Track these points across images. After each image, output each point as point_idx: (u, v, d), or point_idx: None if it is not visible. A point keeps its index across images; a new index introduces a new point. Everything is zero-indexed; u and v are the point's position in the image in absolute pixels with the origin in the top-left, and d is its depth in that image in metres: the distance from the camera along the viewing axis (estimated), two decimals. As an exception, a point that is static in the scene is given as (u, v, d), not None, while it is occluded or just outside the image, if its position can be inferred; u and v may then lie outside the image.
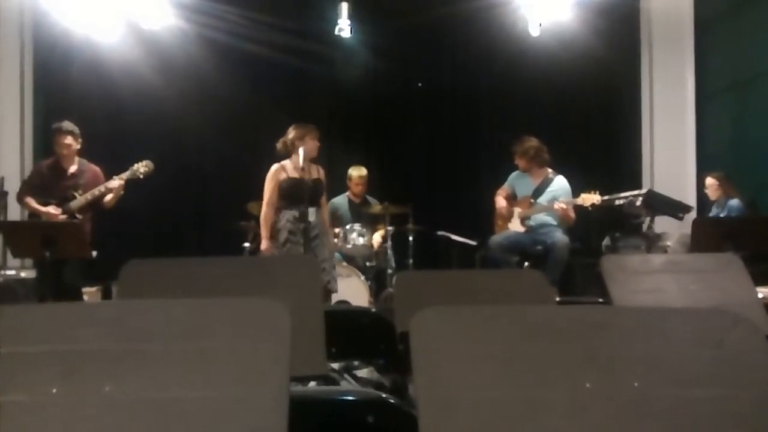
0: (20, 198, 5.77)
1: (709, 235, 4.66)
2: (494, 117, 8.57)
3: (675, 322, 1.34)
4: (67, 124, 5.75)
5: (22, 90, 7.64)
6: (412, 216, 7.03)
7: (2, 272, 6.42)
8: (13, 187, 7.23)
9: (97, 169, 5.79)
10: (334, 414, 1.79)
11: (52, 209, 5.53)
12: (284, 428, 1.14)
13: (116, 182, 5.56)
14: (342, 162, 7.74)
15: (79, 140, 5.76)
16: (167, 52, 7.78)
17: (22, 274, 6.39)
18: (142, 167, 5.68)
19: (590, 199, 6.03)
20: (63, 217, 5.50)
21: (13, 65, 7.58)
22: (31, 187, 5.71)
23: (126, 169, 5.73)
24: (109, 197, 5.58)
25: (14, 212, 7.20)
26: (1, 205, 6.92)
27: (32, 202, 5.60)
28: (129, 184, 5.67)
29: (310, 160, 5.63)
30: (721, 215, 6.56)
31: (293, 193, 5.54)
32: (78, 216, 5.54)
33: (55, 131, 5.73)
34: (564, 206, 6.12)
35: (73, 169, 5.74)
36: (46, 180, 5.68)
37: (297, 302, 1.64)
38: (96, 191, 5.55)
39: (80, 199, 5.55)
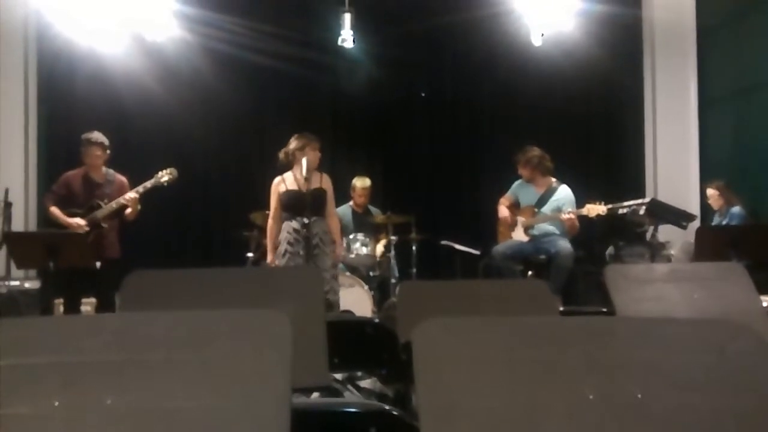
0: (45, 207, 5.81)
1: (713, 243, 4.66)
2: (497, 126, 8.58)
3: (678, 331, 1.34)
4: (97, 136, 5.79)
5: (27, 101, 7.67)
6: (415, 225, 7.04)
7: (6, 283, 6.43)
8: (17, 198, 7.27)
9: (123, 179, 5.85)
10: (336, 426, 1.78)
11: (78, 221, 5.56)
12: (286, 440, 1.14)
13: (132, 194, 5.60)
14: (345, 171, 7.75)
15: (108, 151, 5.81)
16: (171, 62, 7.81)
17: (26, 285, 6.40)
18: (166, 175, 5.72)
19: (596, 209, 6.01)
20: (87, 228, 5.54)
21: (17, 76, 7.61)
22: (58, 197, 5.74)
23: (133, 179, 5.77)
24: (128, 211, 5.62)
25: (18, 223, 7.23)
26: (5, 215, 6.94)
27: (57, 212, 5.64)
28: (149, 192, 5.71)
29: (312, 169, 5.65)
30: (724, 223, 6.56)
31: (293, 205, 5.58)
32: (103, 224, 5.59)
33: (84, 142, 5.76)
34: (573, 216, 6.12)
35: (101, 179, 5.78)
36: (75, 190, 5.73)
37: (299, 313, 1.64)
38: (121, 199, 5.60)
39: (105, 208, 5.61)
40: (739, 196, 6.69)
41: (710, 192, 6.81)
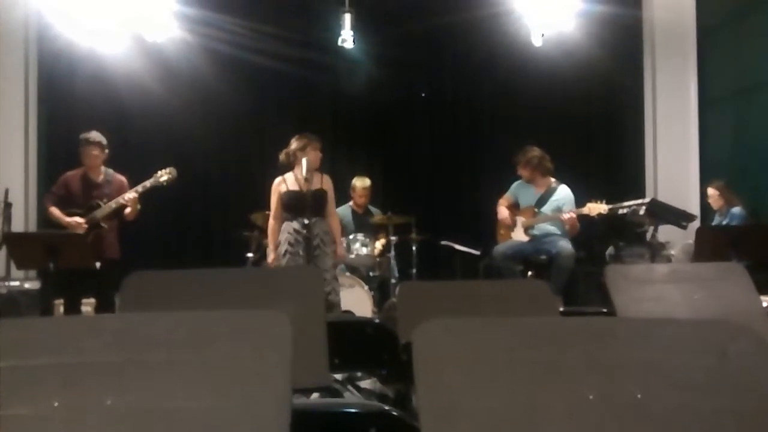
0: (45, 208, 5.80)
1: (713, 243, 4.66)
2: (497, 126, 8.58)
3: (678, 332, 1.34)
4: (95, 135, 5.77)
5: (27, 101, 7.66)
6: (415, 225, 7.04)
7: (6, 283, 6.43)
8: (17, 198, 7.27)
9: (123, 179, 5.83)
10: (336, 426, 1.78)
11: (77, 219, 5.56)
12: (286, 440, 1.14)
13: (132, 194, 5.58)
14: (345, 171, 7.74)
15: (106, 151, 5.79)
16: (171, 63, 7.81)
17: (26, 285, 6.40)
18: (165, 174, 5.70)
19: (597, 208, 6.01)
20: (85, 226, 5.53)
21: (17, 77, 7.61)
22: (58, 197, 5.73)
23: (133, 180, 5.76)
24: (128, 210, 5.61)
25: (18, 223, 7.23)
26: (5, 216, 6.94)
27: (57, 212, 5.63)
28: (149, 192, 5.70)
29: (313, 170, 5.65)
30: (724, 223, 6.57)
31: (293, 205, 5.58)
32: (103, 224, 5.58)
33: (82, 142, 5.74)
34: (573, 215, 6.11)
35: (100, 179, 5.77)
36: (74, 191, 5.71)
37: (299, 313, 1.64)
38: (120, 199, 5.58)
39: (104, 208, 5.59)
40: (740, 196, 6.70)
41: (711, 192, 6.82)
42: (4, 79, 7.54)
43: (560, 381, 1.23)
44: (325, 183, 5.76)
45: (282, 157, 5.76)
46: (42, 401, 1.16)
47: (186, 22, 7.56)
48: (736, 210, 6.59)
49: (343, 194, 7.38)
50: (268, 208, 5.87)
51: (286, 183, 5.68)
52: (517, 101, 8.33)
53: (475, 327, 1.31)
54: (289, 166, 5.75)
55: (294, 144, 5.70)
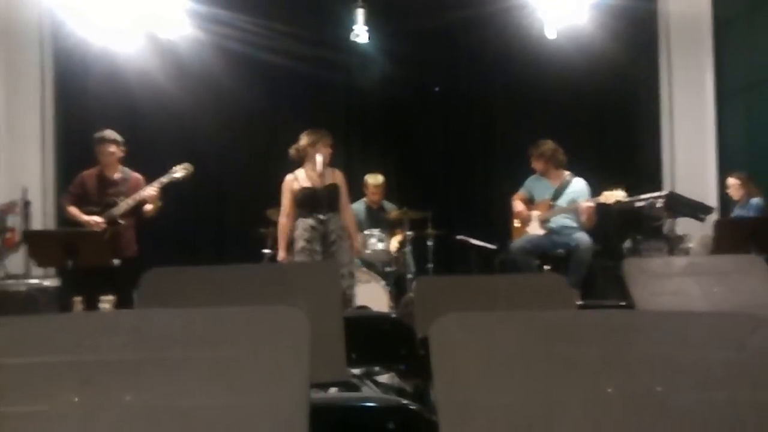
0: (63, 207, 5.83)
1: (732, 236, 4.64)
2: (511, 121, 8.55)
3: (697, 325, 1.33)
4: (110, 133, 5.78)
5: (43, 101, 7.71)
6: (431, 220, 7.03)
7: (25, 281, 6.48)
8: (35, 197, 7.33)
9: (139, 176, 5.82)
10: (354, 420, 1.79)
11: (95, 219, 5.58)
12: (304, 436, 1.14)
13: (151, 190, 5.59)
14: (359, 167, 7.74)
15: (122, 148, 5.81)
16: (184, 61, 7.84)
17: (46, 283, 6.45)
18: (181, 169, 5.71)
19: (614, 195, 5.96)
20: (104, 225, 5.56)
21: (33, 77, 7.65)
22: (75, 196, 5.75)
23: (148, 177, 5.77)
24: (148, 207, 5.61)
25: (36, 221, 7.29)
26: (24, 214, 7.00)
27: (75, 211, 5.66)
28: (165, 189, 5.70)
29: (325, 165, 5.64)
30: (742, 214, 6.53)
31: (308, 202, 5.57)
32: (121, 221, 5.60)
33: (98, 140, 5.75)
34: (592, 204, 6.08)
35: (116, 176, 5.79)
36: (90, 189, 5.73)
37: (316, 308, 1.64)
38: (137, 196, 5.60)
39: (122, 205, 5.61)
40: (760, 188, 6.65)
41: (731, 181, 6.75)
42: (20, 78, 7.59)
43: (578, 375, 1.23)
44: (337, 177, 5.75)
45: (292, 152, 5.76)
46: (60, 398, 1.17)
47: (199, 19, 7.58)
48: (755, 201, 6.53)
49: (358, 191, 7.39)
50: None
51: (298, 180, 5.67)
52: (531, 95, 8.30)
53: (491, 321, 1.31)
54: (300, 162, 5.75)
55: (304, 140, 5.69)
